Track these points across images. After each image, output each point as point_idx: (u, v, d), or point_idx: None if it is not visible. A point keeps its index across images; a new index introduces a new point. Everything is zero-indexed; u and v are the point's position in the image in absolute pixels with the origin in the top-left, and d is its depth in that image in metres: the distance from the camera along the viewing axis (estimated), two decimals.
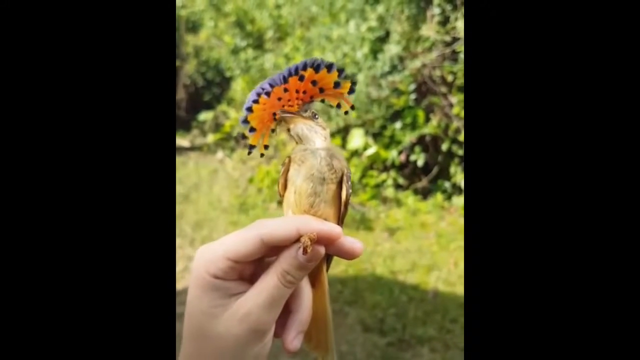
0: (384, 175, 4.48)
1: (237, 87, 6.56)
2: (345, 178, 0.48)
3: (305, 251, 0.42)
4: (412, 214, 4.14)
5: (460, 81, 4.12)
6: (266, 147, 0.51)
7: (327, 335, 0.50)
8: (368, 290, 2.82)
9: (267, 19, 6.47)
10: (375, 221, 3.96)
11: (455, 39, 4.14)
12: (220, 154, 6.76)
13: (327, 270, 0.51)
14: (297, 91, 0.48)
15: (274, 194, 4.44)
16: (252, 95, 0.48)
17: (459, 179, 4.27)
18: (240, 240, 0.42)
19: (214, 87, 9.35)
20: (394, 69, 4.43)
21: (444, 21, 4.21)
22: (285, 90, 0.48)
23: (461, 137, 4.17)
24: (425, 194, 4.53)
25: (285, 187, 0.49)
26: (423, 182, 4.55)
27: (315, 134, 0.49)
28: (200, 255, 0.43)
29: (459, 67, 4.08)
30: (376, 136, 4.59)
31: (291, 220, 0.44)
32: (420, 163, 4.44)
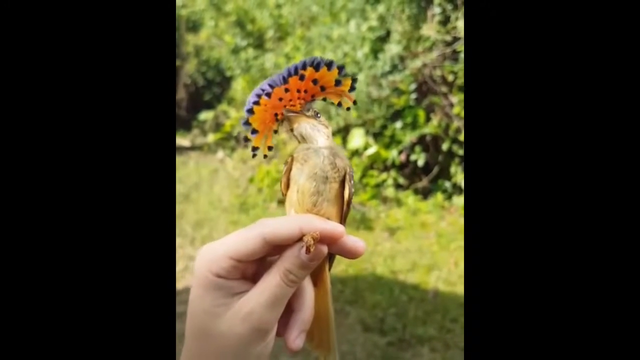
0: (384, 175, 4.47)
1: (238, 86, 6.56)
2: (348, 177, 0.48)
3: (308, 250, 0.42)
4: (413, 214, 4.14)
5: (460, 81, 4.12)
6: (270, 148, 0.50)
7: (329, 334, 0.50)
8: (368, 290, 2.82)
9: (268, 18, 6.47)
10: (375, 221, 3.96)
11: (455, 39, 4.14)
12: (220, 154, 6.76)
13: (329, 270, 0.51)
14: (299, 91, 0.48)
15: (274, 194, 4.44)
16: (252, 97, 0.48)
17: (460, 178, 4.27)
18: (243, 239, 0.42)
19: (215, 87, 9.35)
20: (394, 68, 4.42)
21: (445, 21, 4.21)
22: (286, 90, 0.47)
23: (462, 137, 4.17)
24: (425, 193, 4.53)
25: (287, 186, 0.49)
26: (423, 182, 4.55)
27: (318, 133, 0.49)
28: (202, 255, 0.43)
29: (460, 66, 4.08)
30: (376, 136, 4.59)
31: (294, 219, 0.44)
32: (420, 163, 4.44)
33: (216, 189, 5.16)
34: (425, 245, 3.53)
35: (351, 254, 0.46)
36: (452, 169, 4.35)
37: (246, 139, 0.50)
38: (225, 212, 4.36)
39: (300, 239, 0.43)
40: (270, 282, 0.43)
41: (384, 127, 4.52)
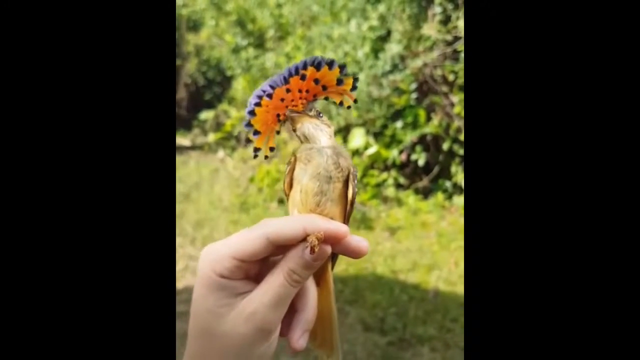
0: (384, 175, 4.47)
1: (238, 86, 6.56)
2: (351, 177, 0.48)
3: (312, 251, 0.42)
4: (413, 214, 4.14)
5: (461, 80, 4.11)
6: (272, 149, 0.50)
7: (332, 333, 0.50)
8: (369, 290, 2.82)
9: (268, 18, 6.47)
10: (376, 220, 3.96)
11: (456, 38, 4.13)
12: (221, 153, 6.77)
13: (332, 269, 0.51)
14: (300, 91, 0.47)
15: (274, 193, 4.44)
16: (253, 99, 0.48)
17: (460, 178, 4.26)
18: (246, 239, 0.42)
19: (215, 86, 9.36)
20: (395, 68, 4.42)
21: (445, 20, 4.21)
22: (288, 90, 0.47)
23: (462, 137, 4.17)
24: (426, 193, 4.53)
25: (290, 186, 0.49)
26: (424, 182, 4.55)
27: (320, 132, 0.49)
28: (205, 255, 0.43)
29: (460, 66, 4.08)
30: (377, 135, 4.59)
31: (298, 219, 0.44)
32: (421, 162, 4.44)
33: (217, 189, 5.16)
34: (426, 245, 3.53)
35: (355, 254, 0.46)
36: (453, 169, 4.35)
37: (248, 140, 0.50)
38: (226, 211, 4.36)
39: (304, 239, 0.43)
40: (274, 282, 0.43)
41: (385, 126, 4.51)
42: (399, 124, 4.44)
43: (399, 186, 4.53)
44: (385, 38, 4.58)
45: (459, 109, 4.13)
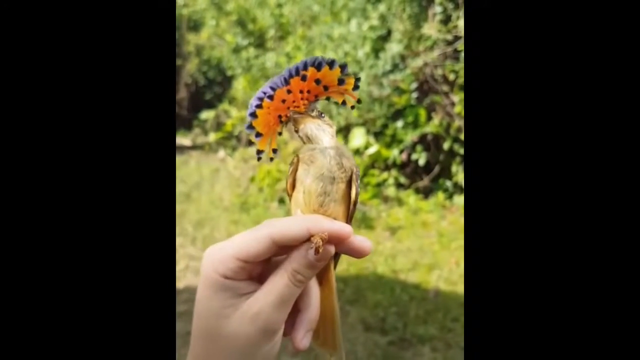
0: (385, 174, 4.47)
1: (239, 86, 6.56)
2: (354, 177, 0.48)
3: (317, 251, 0.42)
4: (414, 213, 4.14)
5: (461, 80, 4.11)
6: (275, 150, 0.50)
7: (335, 332, 0.51)
8: (369, 289, 2.82)
9: (269, 17, 6.48)
10: (376, 220, 3.96)
11: (457, 38, 4.13)
12: (221, 153, 6.77)
13: (334, 268, 0.51)
14: (301, 91, 0.47)
15: (275, 193, 4.44)
16: (254, 101, 0.48)
17: (461, 178, 4.26)
18: (250, 240, 0.42)
19: (216, 86, 9.37)
20: (395, 67, 4.42)
21: (446, 20, 4.21)
22: (289, 91, 0.47)
23: (463, 136, 4.16)
24: (426, 193, 4.53)
25: (293, 186, 0.49)
26: (424, 181, 4.55)
27: (323, 133, 0.49)
28: (209, 256, 0.43)
29: (461, 65, 4.08)
30: (377, 135, 4.59)
31: (302, 219, 0.43)
32: (421, 162, 4.44)
33: (217, 189, 5.17)
34: (427, 244, 3.53)
35: (358, 254, 0.46)
36: (453, 168, 4.35)
37: (250, 143, 0.50)
38: (226, 211, 4.36)
39: (307, 239, 0.43)
40: (278, 283, 0.43)
41: (385, 126, 4.52)
42: (399, 123, 4.44)
43: (399, 186, 4.53)
44: (385, 38, 4.58)
45: (459, 108, 4.13)
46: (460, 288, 2.84)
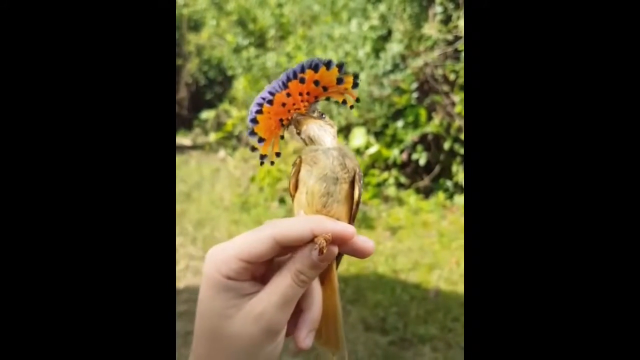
0: (385, 174, 4.47)
1: (239, 85, 6.56)
2: (357, 177, 0.48)
3: (321, 252, 0.42)
4: (414, 213, 4.14)
5: (462, 80, 4.11)
6: (278, 154, 0.50)
7: (337, 331, 0.51)
8: (370, 289, 2.82)
9: (269, 17, 6.48)
10: (377, 220, 3.96)
11: (457, 38, 4.13)
12: (222, 153, 6.77)
13: (336, 268, 0.52)
14: (301, 94, 0.47)
15: (275, 193, 4.45)
16: (254, 107, 0.48)
17: (461, 177, 4.26)
18: (253, 240, 0.42)
19: (216, 86, 9.37)
20: (396, 67, 4.42)
21: (446, 20, 4.20)
22: (288, 95, 0.47)
23: (463, 136, 4.16)
24: (427, 192, 4.53)
25: (296, 187, 0.49)
26: (425, 181, 4.55)
27: (325, 133, 0.49)
28: (211, 256, 0.43)
29: (461, 65, 4.07)
30: (378, 135, 4.59)
31: (305, 220, 0.44)
32: (422, 162, 4.44)
33: (217, 188, 5.17)
34: (427, 244, 3.53)
35: (361, 254, 0.46)
36: (454, 168, 4.35)
37: (253, 149, 0.50)
38: (227, 211, 4.36)
39: (311, 240, 0.43)
40: (281, 283, 0.43)
41: (386, 126, 4.51)
42: (400, 123, 4.44)
43: (400, 185, 4.53)
44: (386, 38, 4.58)
45: (460, 108, 4.13)
46: (460, 288, 2.84)
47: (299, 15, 5.95)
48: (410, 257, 3.29)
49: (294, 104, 0.48)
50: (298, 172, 0.49)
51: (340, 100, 0.50)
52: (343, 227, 0.44)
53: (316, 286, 0.48)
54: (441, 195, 4.35)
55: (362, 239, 0.45)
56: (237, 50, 6.70)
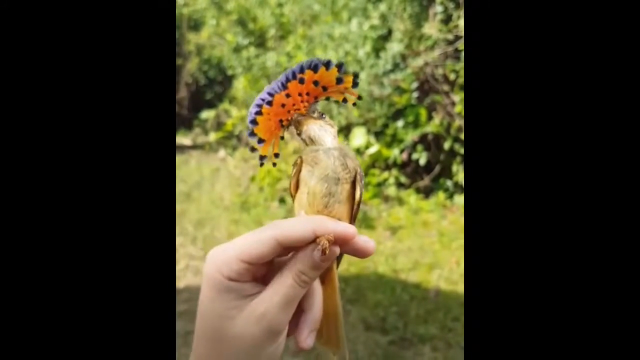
0: (385, 174, 4.47)
1: (239, 85, 6.56)
2: (358, 177, 0.48)
3: (324, 252, 0.42)
4: (414, 213, 4.14)
5: (462, 79, 4.11)
6: (277, 155, 0.50)
7: (338, 330, 0.51)
8: (370, 289, 2.82)
9: (269, 17, 6.48)
10: (377, 220, 3.96)
11: (457, 37, 4.13)
12: (222, 153, 6.77)
13: (337, 268, 0.52)
14: (300, 94, 0.47)
15: (275, 193, 4.45)
16: (253, 108, 0.48)
17: (461, 177, 4.26)
18: (254, 241, 0.42)
19: (216, 86, 9.37)
20: (396, 67, 4.42)
21: (447, 19, 4.20)
22: (287, 95, 0.47)
23: (463, 136, 4.16)
24: (427, 192, 4.53)
25: (297, 187, 0.49)
26: (425, 181, 4.55)
27: (325, 133, 0.49)
28: (212, 257, 0.43)
29: (461, 65, 4.07)
30: (378, 135, 4.58)
31: (307, 221, 0.44)
32: (422, 162, 4.43)
33: (217, 188, 5.17)
34: (427, 244, 3.53)
35: (362, 254, 0.46)
36: (454, 168, 4.35)
37: (253, 149, 0.50)
38: (227, 211, 4.36)
39: (313, 240, 0.43)
40: (283, 284, 0.43)
41: (386, 125, 4.51)
42: (400, 123, 4.43)
43: (400, 185, 4.53)
44: (386, 37, 4.58)
45: (460, 108, 4.13)
46: (460, 287, 2.84)
47: (299, 14, 5.95)
48: (411, 257, 3.29)
49: (293, 105, 0.48)
50: (299, 172, 0.49)
51: (341, 99, 0.50)
52: (345, 228, 0.44)
53: (317, 286, 0.48)
54: (441, 195, 4.35)
55: (363, 239, 0.45)
56: (237, 49, 6.70)
